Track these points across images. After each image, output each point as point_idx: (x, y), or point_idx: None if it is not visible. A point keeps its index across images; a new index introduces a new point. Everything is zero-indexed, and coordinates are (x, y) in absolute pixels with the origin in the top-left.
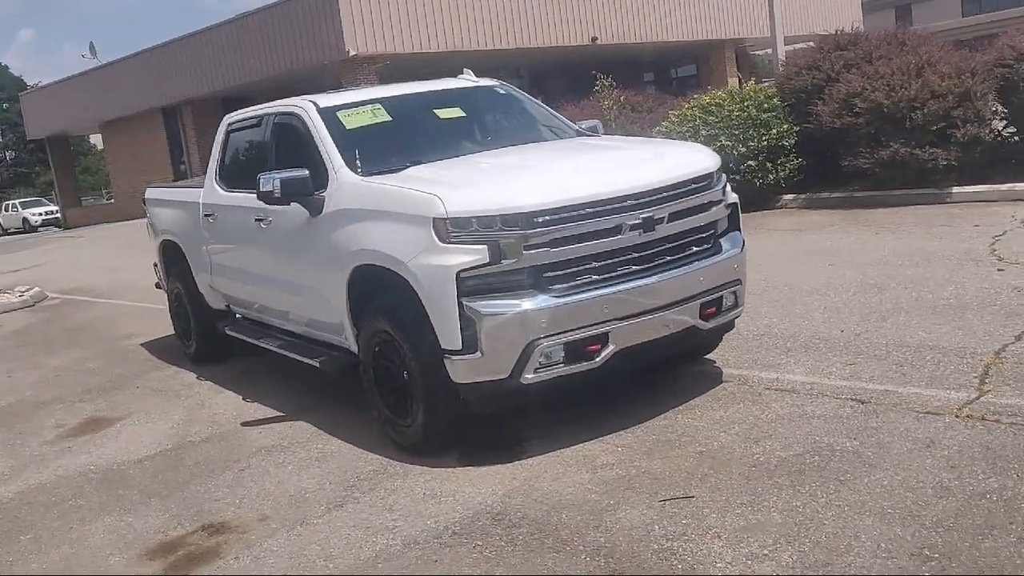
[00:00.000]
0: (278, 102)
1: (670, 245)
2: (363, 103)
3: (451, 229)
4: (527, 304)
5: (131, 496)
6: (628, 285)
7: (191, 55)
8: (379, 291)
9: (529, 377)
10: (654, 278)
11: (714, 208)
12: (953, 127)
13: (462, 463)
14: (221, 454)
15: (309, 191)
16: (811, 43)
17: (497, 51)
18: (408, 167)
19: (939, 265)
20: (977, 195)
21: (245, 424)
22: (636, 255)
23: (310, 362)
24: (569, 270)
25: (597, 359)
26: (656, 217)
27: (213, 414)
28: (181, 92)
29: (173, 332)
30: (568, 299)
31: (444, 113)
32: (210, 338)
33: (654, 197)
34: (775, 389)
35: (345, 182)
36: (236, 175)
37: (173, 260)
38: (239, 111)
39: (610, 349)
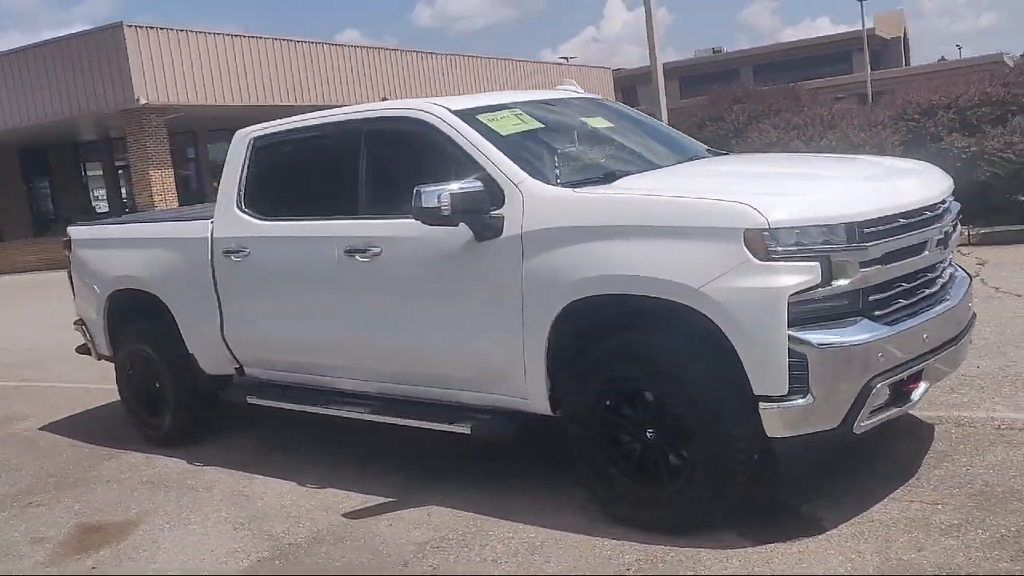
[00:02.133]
0: (361, 107)
1: (944, 266)
2: (500, 106)
3: (772, 244)
4: (862, 334)
5: None
6: (937, 310)
7: None
8: (604, 330)
9: (864, 424)
10: (947, 303)
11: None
12: None
13: (752, 540)
14: (371, 558)
15: (486, 208)
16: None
17: (297, 107)
18: (616, 177)
19: None
20: None
21: (353, 516)
22: (930, 276)
23: (448, 429)
24: (889, 292)
25: (913, 399)
26: (947, 233)
27: (281, 506)
28: None
29: (71, 412)
30: (898, 328)
31: (593, 122)
32: (195, 412)
33: (941, 211)
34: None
35: (541, 196)
36: (284, 200)
37: (130, 317)
38: (265, 124)
39: (923, 387)
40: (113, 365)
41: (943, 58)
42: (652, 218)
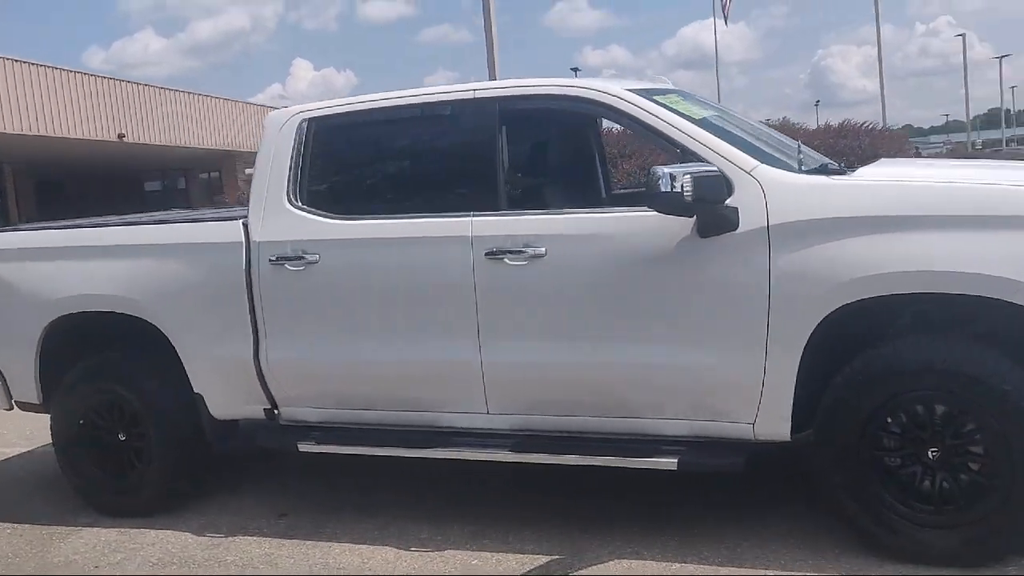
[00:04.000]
0: (487, 84)
1: None
2: (664, 90)
3: None
4: None
5: None
6: None
7: None
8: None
9: None
10: None
11: None
12: None
13: None
14: None
15: (722, 197)
16: None
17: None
18: (837, 170)
19: None
20: None
21: None
22: None
23: (643, 465)
24: None
25: None
26: None
27: None
28: None
29: None
30: None
31: (702, 112)
32: (190, 469)
33: None
34: None
35: (789, 184)
36: (371, 194)
37: (81, 350)
38: (319, 104)
39: None
40: (46, 415)
41: None
42: (958, 207)
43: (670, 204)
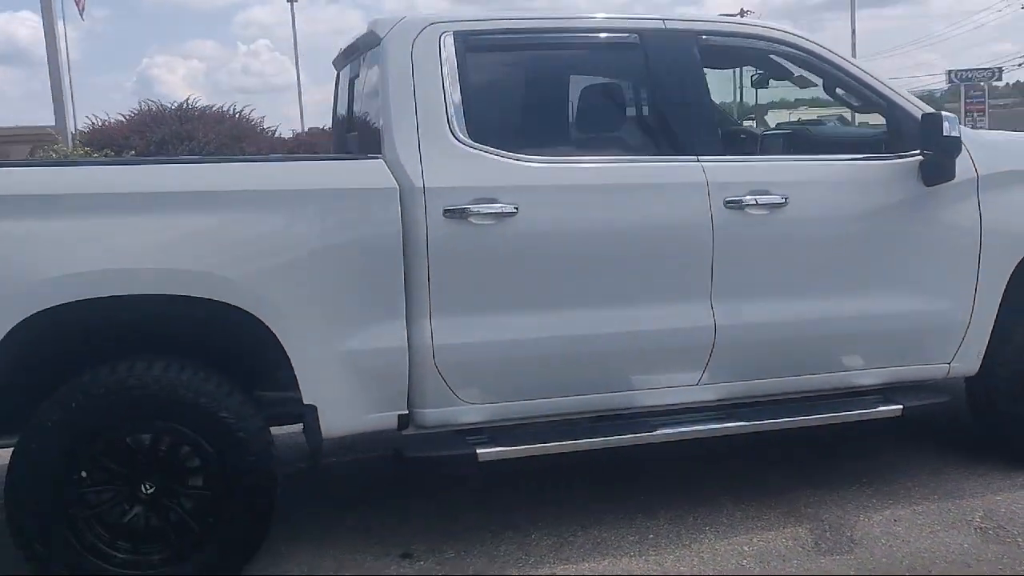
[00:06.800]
0: (701, 16)
1: None
2: None
3: None
4: None
5: None
6: None
7: None
8: None
9: None
10: None
11: None
12: None
13: None
14: None
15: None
16: None
17: None
18: None
19: None
20: None
21: None
22: None
23: (873, 415)
24: None
25: None
26: None
27: None
28: None
29: None
30: None
31: None
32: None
33: None
34: None
35: (982, 139)
36: (558, 130)
37: (77, 360)
38: (470, 17)
39: None
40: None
41: None
42: None
43: (949, 150)
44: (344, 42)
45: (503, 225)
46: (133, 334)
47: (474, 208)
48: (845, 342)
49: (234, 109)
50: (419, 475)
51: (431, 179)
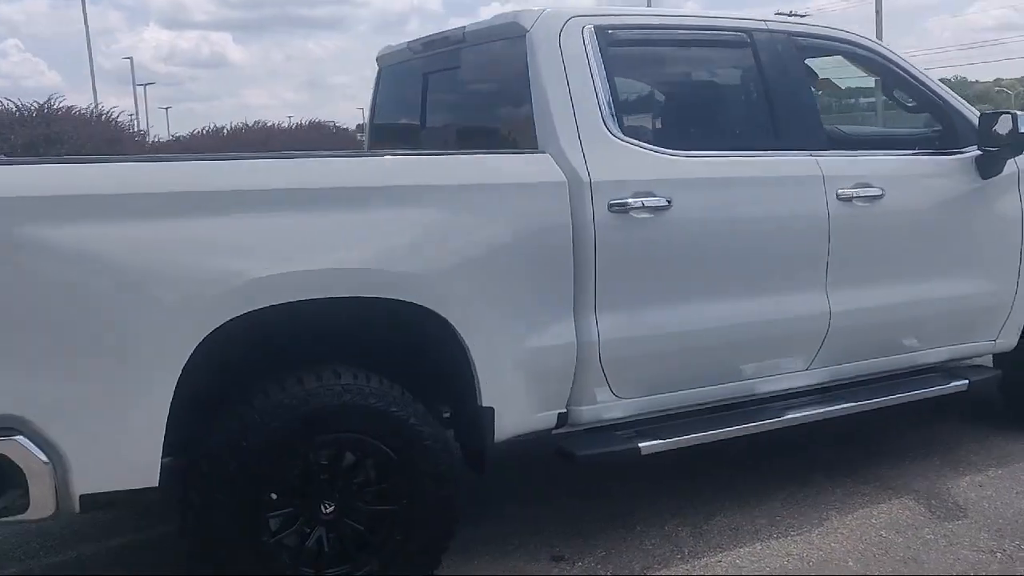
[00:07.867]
0: (791, 20)
1: None
2: None
3: None
4: None
5: None
6: None
7: None
8: None
9: None
10: None
11: None
12: None
13: None
14: None
15: None
16: None
17: None
18: None
19: None
20: None
21: None
22: None
23: (940, 392)
24: None
25: None
26: None
27: None
28: None
29: None
30: None
31: None
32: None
33: None
34: None
35: None
36: (698, 125)
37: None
38: (609, 10)
39: None
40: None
41: None
42: None
43: (1018, 144)
44: (406, 38)
45: (659, 219)
46: (306, 341)
47: (634, 202)
48: (924, 323)
49: (100, 111)
50: (548, 474)
51: (596, 173)
